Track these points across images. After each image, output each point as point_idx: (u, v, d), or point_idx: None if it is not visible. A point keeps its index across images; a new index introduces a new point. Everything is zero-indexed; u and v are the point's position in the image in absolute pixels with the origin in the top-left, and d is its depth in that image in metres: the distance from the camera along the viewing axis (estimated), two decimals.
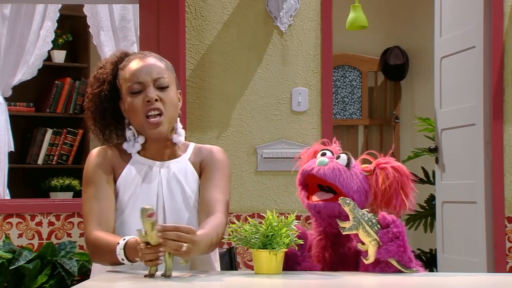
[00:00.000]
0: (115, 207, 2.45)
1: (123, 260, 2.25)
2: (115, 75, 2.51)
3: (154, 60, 2.48)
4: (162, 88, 2.45)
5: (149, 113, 2.42)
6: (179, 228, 2.09)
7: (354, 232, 2.23)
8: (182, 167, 2.51)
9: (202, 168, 2.53)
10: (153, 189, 2.47)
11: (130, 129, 2.49)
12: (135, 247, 2.19)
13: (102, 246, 2.32)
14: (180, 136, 2.52)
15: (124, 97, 2.47)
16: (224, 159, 2.55)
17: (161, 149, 2.51)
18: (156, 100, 2.42)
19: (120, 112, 2.52)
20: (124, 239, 2.25)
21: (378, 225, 2.24)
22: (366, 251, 2.25)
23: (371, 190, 2.33)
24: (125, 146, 2.51)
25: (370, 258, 2.24)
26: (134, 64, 2.47)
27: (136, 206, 2.40)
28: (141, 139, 2.48)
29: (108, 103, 2.51)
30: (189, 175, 2.51)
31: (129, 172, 2.48)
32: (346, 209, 2.24)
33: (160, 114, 2.43)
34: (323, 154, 2.35)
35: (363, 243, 2.26)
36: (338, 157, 2.32)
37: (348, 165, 2.31)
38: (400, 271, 2.25)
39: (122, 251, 2.24)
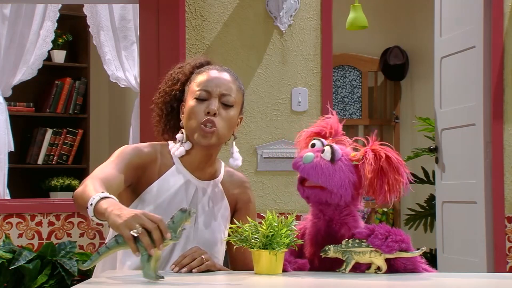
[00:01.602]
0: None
1: (90, 206, 2.12)
2: (190, 78, 2.51)
3: (228, 77, 2.47)
4: (225, 106, 2.44)
5: (203, 123, 2.40)
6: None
7: (354, 262, 2.24)
8: (217, 192, 2.52)
9: (236, 206, 2.57)
10: (184, 204, 2.44)
11: (182, 132, 2.47)
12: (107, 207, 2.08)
13: (88, 190, 2.20)
14: (236, 160, 2.52)
15: (187, 99, 2.47)
16: (254, 197, 2.63)
17: (202, 163, 2.49)
18: (215, 114, 2.41)
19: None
20: (101, 194, 2.13)
21: (363, 240, 2.24)
22: (378, 266, 2.26)
23: (360, 178, 2.30)
24: (171, 145, 2.48)
25: (383, 268, 2.25)
26: (209, 73, 2.47)
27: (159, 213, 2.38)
28: (187, 145, 2.46)
29: (176, 103, 2.52)
30: (223, 206, 2.52)
31: (164, 180, 2.45)
32: (331, 255, 2.25)
33: (213, 127, 2.41)
34: (313, 146, 2.35)
35: (368, 265, 2.26)
36: (322, 151, 2.31)
37: (332, 159, 2.30)
38: (410, 269, 2.26)
39: (98, 198, 2.11)
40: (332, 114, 2.46)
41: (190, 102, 2.44)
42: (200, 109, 2.41)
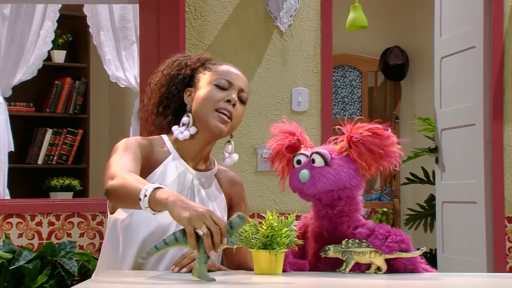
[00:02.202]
0: None
1: (144, 198, 2.09)
2: (197, 67, 2.52)
3: (244, 76, 2.52)
4: (240, 101, 2.48)
5: (222, 110, 2.42)
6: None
7: (353, 262, 2.24)
8: (212, 184, 2.53)
9: (231, 203, 2.57)
10: (183, 193, 2.43)
11: (188, 116, 2.47)
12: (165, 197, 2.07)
13: (132, 182, 2.18)
14: (233, 160, 2.53)
15: (199, 85, 2.47)
16: (247, 198, 2.65)
17: (199, 154, 2.50)
18: (234, 105, 2.44)
19: (180, 104, 2.51)
20: (154, 185, 2.11)
21: (363, 241, 2.24)
22: (378, 267, 2.26)
23: (357, 163, 2.30)
24: (174, 128, 2.46)
25: (383, 268, 2.25)
26: (229, 67, 2.51)
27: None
28: (193, 129, 2.45)
29: (181, 87, 2.51)
30: (219, 198, 2.52)
31: (161, 170, 2.44)
32: (330, 255, 2.25)
33: (229, 117, 2.44)
34: (299, 162, 2.34)
35: (368, 265, 2.26)
36: (313, 161, 2.31)
37: (326, 162, 2.30)
38: (410, 270, 2.26)
39: (147, 198, 2.09)
40: (284, 120, 2.46)
41: (208, 87, 2.45)
42: (219, 95, 2.43)
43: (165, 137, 2.51)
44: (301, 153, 2.36)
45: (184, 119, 2.46)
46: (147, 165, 2.43)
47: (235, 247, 2.08)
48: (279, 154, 2.41)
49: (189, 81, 2.52)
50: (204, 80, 2.48)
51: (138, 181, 2.18)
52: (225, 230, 2.02)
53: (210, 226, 1.99)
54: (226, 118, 2.43)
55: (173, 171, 2.46)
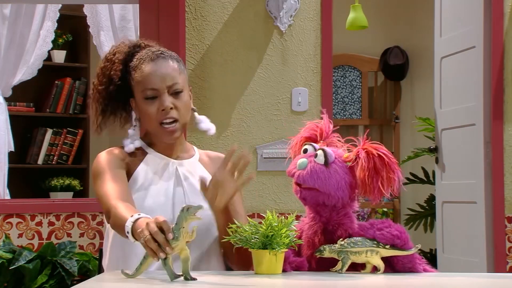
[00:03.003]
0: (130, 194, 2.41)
1: (127, 233, 2.14)
2: (125, 73, 2.49)
3: (166, 64, 2.45)
4: (176, 93, 2.45)
5: (164, 121, 2.42)
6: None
7: (350, 262, 2.24)
8: (198, 168, 2.53)
9: None
10: (170, 186, 2.46)
11: (133, 129, 2.51)
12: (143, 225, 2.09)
13: (118, 215, 2.24)
14: (202, 123, 2.55)
15: (137, 98, 2.47)
16: None
17: (172, 145, 2.52)
18: (171, 108, 2.42)
19: (126, 101, 2.52)
20: (138, 215, 2.15)
21: (359, 240, 2.24)
22: (374, 266, 2.25)
23: (355, 178, 2.30)
24: (124, 141, 2.51)
25: (381, 267, 2.24)
26: (147, 68, 2.44)
27: (148, 203, 2.40)
28: (138, 143, 2.50)
29: (116, 101, 2.51)
30: (206, 176, 2.48)
31: (143, 168, 2.47)
32: (326, 255, 2.25)
33: (175, 121, 2.43)
34: (305, 151, 2.35)
35: (364, 265, 2.26)
36: (316, 156, 2.31)
37: (326, 162, 2.30)
38: (409, 268, 2.26)
39: (130, 227, 2.13)
40: (322, 116, 2.47)
41: (141, 104, 2.44)
42: (153, 109, 2.42)
43: (125, 140, 2.53)
44: (310, 144, 2.37)
45: (130, 131, 2.51)
46: (129, 171, 2.46)
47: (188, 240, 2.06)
48: (299, 144, 2.42)
49: (124, 90, 2.49)
50: (136, 93, 2.46)
51: (124, 214, 2.20)
52: (168, 226, 2.01)
53: (150, 230, 2.01)
54: (172, 126, 2.43)
55: (155, 165, 2.48)
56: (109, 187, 2.36)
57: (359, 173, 2.27)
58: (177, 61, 2.49)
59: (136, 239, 2.11)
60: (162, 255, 2.00)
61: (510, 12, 4.59)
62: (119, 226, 2.23)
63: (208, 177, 2.38)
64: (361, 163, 2.27)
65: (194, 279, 2.07)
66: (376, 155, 2.28)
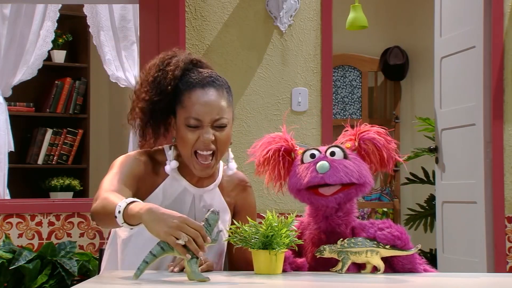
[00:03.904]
0: None
1: (118, 213, 2.12)
2: (176, 87, 2.39)
3: (216, 95, 2.36)
4: (220, 127, 2.37)
5: (200, 152, 2.35)
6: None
7: (350, 262, 2.24)
8: (216, 198, 2.49)
9: (236, 208, 2.53)
10: (183, 212, 2.36)
11: (171, 148, 2.43)
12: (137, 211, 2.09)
13: (110, 201, 2.20)
14: (230, 170, 2.48)
15: (178, 120, 2.38)
16: (253, 196, 2.60)
17: None
18: (212, 141, 2.35)
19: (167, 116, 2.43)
20: (132, 199, 2.14)
21: (359, 240, 2.24)
22: (374, 267, 2.25)
23: (366, 162, 2.35)
24: (166, 165, 2.42)
25: (381, 267, 2.24)
26: (195, 95, 2.36)
27: None
28: (174, 164, 2.40)
29: (162, 115, 2.41)
30: (223, 211, 2.47)
31: (160, 192, 2.41)
32: (326, 255, 2.25)
33: (212, 154, 2.37)
34: (313, 156, 2.33)
35: (364, 265, 2.26)
36: (332, 153, 2.31)
37: (345, 156, 2.31)
38: (408, 269, 2.26)
39: (123, 207, 2.12)
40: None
41: (182, 128, 2.36)
42: (193, 137, 2.35)
43: (166, 149, 2.46)
44: (313, 148, 2.35)
45: (168, 152, 2.43)
46: (144, 182, 2.41)
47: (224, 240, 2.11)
48: (274, 157, 2.39)
49: (170, 107, 2.41)
50: (179, 117, 2.38)
51: (117, 198, 2.18)
52: (205, 232, 2.06)
53: (188, 233, 2.02)
54: (207, 162, 2.36)
55: (173, 191, 2.42)
56: (113, 183, 2.33)
57: (374, 156, 2.33)
58: (227, 91, 2.41)
59: (127, 222, 2.10)
60: (188, 256, 2.04)
61: (510, 12, 4.59)
62: (105, 209, 2.18)
63: (223, 207, 2.44)
64: (371, 149, 2.33)
65: (208, 279, 2.09)
66: (375, 135, 2.34)
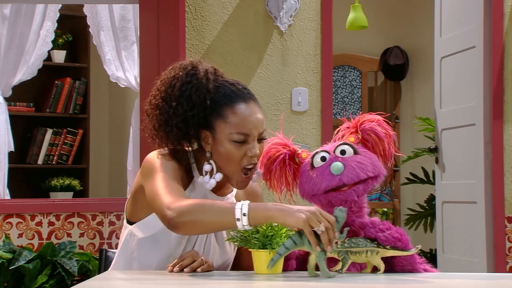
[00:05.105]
0: None
1: (242, 215, 2.10)
2: (211, 100, 2.33)
3: (258, 108, 2.34)
4: (261, 140, 2.35)
5: (248, 166, 2.33)
6: None
7: (350, 262, 2.23)
8: None
9: None
10: None
11: (210, 164, 2.35)
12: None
13: (210, 203, 2.17)
14: (258, 176, 2.44)
15: (219, 136, 2.31)
16: (263, 199, 2.60)
17: (223, 185, 2.42)
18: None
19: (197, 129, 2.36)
20: (244, 202, 2.13)
21: (360, 240, 2.24)
22: (374, 267, 2.25)
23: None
24: (200, 180, 2.36)
25: (381, 267, 2.24)
26: (240, 110, 2.31)
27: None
28: (218, 176, 2.34)
29: (197, 129, 2.35)
30: None
31: (187, 193, 2.35)
32: (327, 255, 2.24)
33: (254, 167, 2.35)
34: (323, 159, 2.32)
35: (364, 265, 2.26)
36: (343, 152, 2.30)
37: (355, 151, 2.31)
38: (408, 271, 2.25)
39: (246, 206, 2.11)
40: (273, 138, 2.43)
41: (226, 144, 2.30)
42: (240, 153, 2.30)
43: (201, 178, 2.38)
44: (322, 150, 2.34)
45: (206, 166, 2.34)
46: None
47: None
48: (280, 166, 2.37)
49: (206, 121, 2.34)
50: (221, 131, 2.31)
51: (218, 203, 2.19)
52: (335, 226, 2.11)
53: (323, 222, 2.07)
54: (248, 178, 2.35)
55: (195, 196, 2.37)
56: (170, 183, 2.25)
57: (377, 146, 2.34)
58: (259, 103, 2.40)
59: (252, 224, 2.11)
60: (318, 248, 2.07)
61: (510, 12, 4.59)
62: (212, 214, 2.14)
63: None
64: (374, 139, 2.33)
65: (334, 276, 2.14)
66: (375, 124, 2.34)
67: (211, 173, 2.34)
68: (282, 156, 2.37)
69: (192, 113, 2.31)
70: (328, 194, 2.29)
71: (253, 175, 2.40)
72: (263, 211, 2.12)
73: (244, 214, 2.11)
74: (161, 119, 2.33)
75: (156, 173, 2.29)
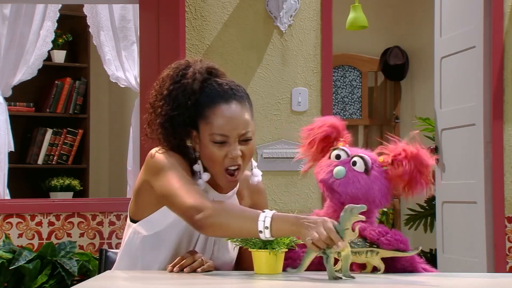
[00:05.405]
0: None
1: (265, 228, 2.11)
2: (196, 101, 2.33)
3: (240, 108, 2.32)
4: (245, 141, 2.33)
5: (230, 168, 2.32)
6: None
7: (350, 262, 2.23)
8: None
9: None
10: None
11: (199, 163, 2.35)
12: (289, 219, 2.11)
13: (235, 208, 2.20)
14: (255, 176, 2.44)
15: (202, 137, 2.32)
16: (266, 201, 2.60)
17: None
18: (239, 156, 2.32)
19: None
20: (268, 214, 2.14)
21: (359, 240, 2.24)
22: (374, 267, 2.25)
23: (392, 182, 2.31)
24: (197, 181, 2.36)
25: (381, 268, 2.24)
26: (219, 110, 2.30)
27: (171, 233, 2.33)
28: (205, 176, 2.35)
29: (183, 129, 2.35)
30: None
31: None
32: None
33: (238, 169, 2.33)
34: (338, 157, 2.32)
35: (364, 265, 2.26)
36: (354, 163, 2.29)
37: (366, 170, 2.29)
38: (409, 271, 2.25)
39: (269, 218, 2.11)
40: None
41: (208, 146, 2.30)
42: (220, 154, 2.30)
43: (191, 150, 2.40)
44: (343, 149, 2.34)
45: (195, 166, 2.35)
46: None
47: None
48: (319, 140, 2.39)
49: (191, 121, 2.34)
50: (204, 132, 2.31)
51: (243, 209, 2.23)
52: (335, 236, 2.07)
53: (320, 233, 2.06)
54: (234, 177, 2.33)
55: None
56: (185, 183, 2.25)
57: (402, 176, 2.28)
58: (248, 102, 2.37)
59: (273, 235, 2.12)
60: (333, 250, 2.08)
61: (510, 12, 4.59)
62: (242, 215, 2.18)
63: None
64: (401, 169, 2.28)
65: (353, 277, 2.11)
66: (414, 155, 2.30)
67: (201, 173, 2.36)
68: (324, 136, 2.39)
69: (177, 113, 2.32)
70: (322, 184, 2.33)
71: (256, 178, 2.43)
72: (283, 227, 2.12)
73: (267, 228, 2.12)
74: (152, 117, 2.36)
75: (166, 170, 2.29)
